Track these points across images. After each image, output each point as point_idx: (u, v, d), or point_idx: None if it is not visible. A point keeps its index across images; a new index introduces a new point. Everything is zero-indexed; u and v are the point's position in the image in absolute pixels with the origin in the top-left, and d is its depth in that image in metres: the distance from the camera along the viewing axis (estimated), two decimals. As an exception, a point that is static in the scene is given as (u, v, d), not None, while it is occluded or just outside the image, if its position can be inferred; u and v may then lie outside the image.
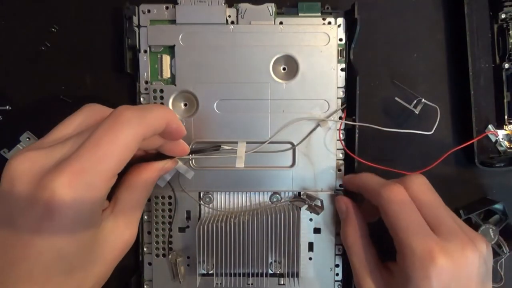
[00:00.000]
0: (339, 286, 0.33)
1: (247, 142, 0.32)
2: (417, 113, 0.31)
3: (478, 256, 0.25)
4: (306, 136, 0.32)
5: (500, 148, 0.34)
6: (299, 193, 0.33)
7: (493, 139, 0.34)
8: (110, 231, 0.25)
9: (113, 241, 0.25)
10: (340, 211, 0.31)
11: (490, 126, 0.33)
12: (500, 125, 0.34)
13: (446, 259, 0.24)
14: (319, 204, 0.31)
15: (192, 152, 0.31)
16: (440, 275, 0.24)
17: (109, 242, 0.25)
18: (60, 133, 0.24)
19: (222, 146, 0.32)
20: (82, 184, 0.21)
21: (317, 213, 0.32)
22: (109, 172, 0.22)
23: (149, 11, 0.32)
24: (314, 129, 0.32)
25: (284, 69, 0.33)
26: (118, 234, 0.26)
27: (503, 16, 0.33)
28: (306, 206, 0.32)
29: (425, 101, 0.31)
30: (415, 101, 0.32)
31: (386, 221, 0.27)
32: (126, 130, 0.22)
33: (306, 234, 0.33)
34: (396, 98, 0.32)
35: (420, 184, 0.28)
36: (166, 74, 0.33)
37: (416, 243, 0.25)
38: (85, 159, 0.21)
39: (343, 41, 0.33)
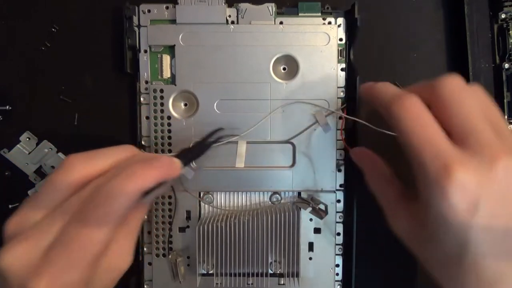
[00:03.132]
0: (339, 286, 0.33)
1: (247, 142, 0.32)
2: None
3: None
4: (303, 130, 0.32)
5: None
6: (299, 193, 0.33)
7: None
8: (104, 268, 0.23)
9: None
10: (358, 164, 0.29)
11: None
12: None
13: (466, 172, 0.20)
14: (323, 208, 0.31)
15: (189, 157, 0.28)
16: (461, 193, 0.20)
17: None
18: (53, 194, 0.22)
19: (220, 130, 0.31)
20: (61, 285, 0.20)
21: (321, 218, 0.32)
22: (85, 270, 0.21)
23: (149, 11, 0.32)
24: (310, 126, 0.32)
25: (284, 69, 0.33)
26: (112, 269, 0.24)
27: (503, 16, 0.33)
28: (310, 209, 0.32)
29: None
30: None
31: (401, 141, 0.23)
32: (98, 231, 0.21)
33: (306, 234, 0.33)
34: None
35: (453, 89, 0.22)
36: (166, 74, 0.33)
37: (430, 159, 0.21)
38: (60, 263, 0.20)
39: (343, 41, 0.33)
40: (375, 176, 0.27)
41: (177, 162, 0.25)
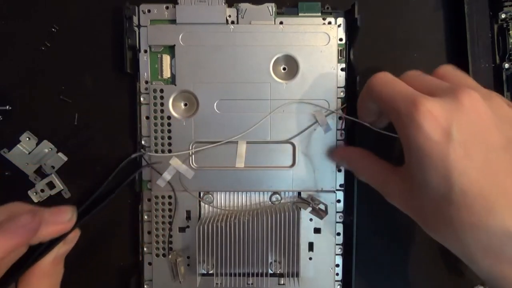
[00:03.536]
0: (339, 286, 0.33)
1: (247, 142, 0.32)
2: None
3: (484, 105, 0.21)
4: (303, 130, 0.32)
5: None
6: (299, 193, 0.33)
7: None
8: None
9: None
10: (342, 163, 0.31)
11: None
12: None
13: (433, 103, 0.21)
14: (323, 208, 0.31)
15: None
16: (431, 120, 0.21)
17: None
18: None
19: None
20: None
21: (321, 218, 0.32)
22: None
23: (149, 11, 0.32)
24: (310, 126, 0.32)
25: (284, 69, 0.33)
26: None
27: (503, 16, 0.33)
28: (310, 209, 0.32)
29: None
30: None
31: (381, 110, 0.26)
32: None
33: (306, 234, 0.33)
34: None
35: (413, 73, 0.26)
36: (166, 74, 0.33)
37: (401, 103, 0.22)
38: None
39: (343, 41, 0.33)
40: (361, 163, 0.28)
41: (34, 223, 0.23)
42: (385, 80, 0.25)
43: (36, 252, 0.24)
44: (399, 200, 0.25)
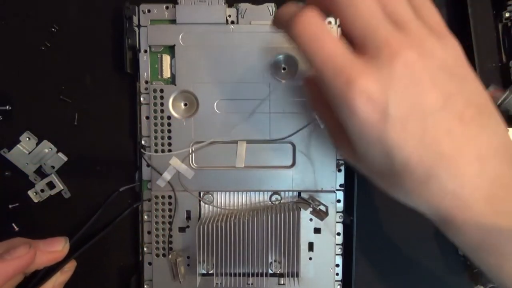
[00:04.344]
0: (339, 286, 0.33)
1: (247, 142, 0.32)
2: None
3: (420, 66, 0.19)
4: (303, 127, 0.32)
5: None
6: (299, 193, 0.33)
7: None
8: None
9: None
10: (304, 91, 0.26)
11: None
12: (510, 124, 0.33)
13: (368, 81, 0.19)
14: (324, 210, 0.31)
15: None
16: (367, 104, 0.19)
17: None
18: None
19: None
20: None
21: (321, 219, 0.32)
22: None
23: (149, 11, 0.32)
24: (310, 123, 0.32)
25: (284, 69, 0.33)
26: None
27: (507, 15, 0.33)
28: (310, 209, 0.32)
29: None
30: None
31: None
32: None
33: (306, 234, 0.33)
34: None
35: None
36: (166, 74, 0.33)
37: (332, 78, 0.20)
38: None
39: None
40: (319, 102, 0.26)
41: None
42: (312, 31, 0.20)
43: (33, 280, 0.25)
44: (348, 158, 0.24)
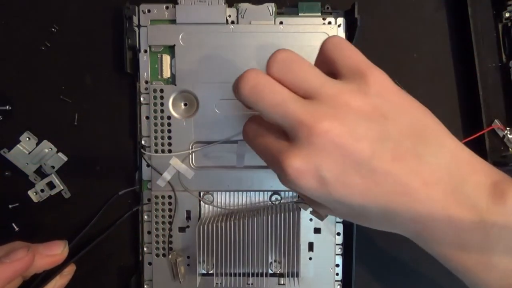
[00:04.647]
0: (339, 286, 0.33)
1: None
2: None
3: (338, 132, 0.20)
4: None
5: (509, 145, 0.34)
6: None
7: (500, 134, 0.33)
8: None
9: None
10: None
11: (496, 121, 0.33)
12: (510, 123, 0.34)
13: (296, 158, 0.20)
14: None
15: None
16: (301, 177, 0.21)
17: None
18: None
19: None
20: None
21: (321, 219, 0.31)
22: None
23: (149, 11, 0.32)
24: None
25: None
26: None
27: (507, 15, 0.33)
28: (310, 209, 0.32)
29: None
30: None
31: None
32: None
33: (306, 234, 0.33)
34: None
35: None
36: (166, 74, 0.33)
37: (267, 160, 0.23)
38: None
39: (343, 41, 0.32)
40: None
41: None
42: (253, 132, 0.24)
43: (33, 283, 0.25)
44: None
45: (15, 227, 0.34)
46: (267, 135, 0.23)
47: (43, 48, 0.34)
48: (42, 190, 0.34)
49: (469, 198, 0.20)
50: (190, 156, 0.33)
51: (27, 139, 0.34)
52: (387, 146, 0.20)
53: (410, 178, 0.20)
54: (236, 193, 0.34)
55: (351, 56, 0.22)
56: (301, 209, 0.32)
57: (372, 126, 0.20)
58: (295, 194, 0.33)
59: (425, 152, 0.20)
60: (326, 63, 0.23)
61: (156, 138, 0.32)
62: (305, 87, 0.21)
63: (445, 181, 0.20)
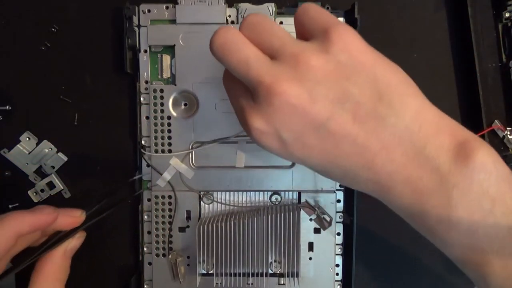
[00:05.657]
0: (339, 286, 0.33)
1: (247, 142, 0.32)
2: None
3: (293, 92, 0.20)
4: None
5: (509, 146, 0.34)
6: (299, 193, 0.33)
7: (500, 134, 0.33)
8: None
9: None
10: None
11: (496, 121, 0.33)
12: (510, 124, 0.34)
13: (256, 118, 0.21)
14: (328, 220, 0.31)
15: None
16: (262, 136, 0.22)
17: None
18: None
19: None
20: None
21: (324, 228, 0.31)
22: None
23: (149, 11, 0.32)
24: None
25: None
26: None
27: (507, 15, 0.33)
28: (315, 216, 0.32)
29: None
30: None
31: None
32: None
33: (306, 234, 0.33)
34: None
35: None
36: (166, 74, 0.33)
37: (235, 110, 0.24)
38: None
39: (343, 41, 0.32)
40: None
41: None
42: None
43: (49, 241, 0.28)
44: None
45: (15, 227, 0.34)
46: (236, 88, 0.23)
47: (43, 48, 0.34)
48: (42, 190, 0.34)
49: (431, 160, 0.20)
50: (190, 156, 0.33)
51: (27, 139, 0.34)
52: (347, 107, 0.20)
53: (370, 141, 0.20)
54: (236, 193, 0.34)
55: (317, 16, 0.22)
56: (301, 209, 0.32)
57: (332, 87, 0.20)
58: (295, 194, 0.33)
59: (387, 113, 0.20)
60: (299, 31, 0.23)
61: (156, 138, 0.32)
62: (269, 46, 0.21)
63: (405, 143, 0.20)
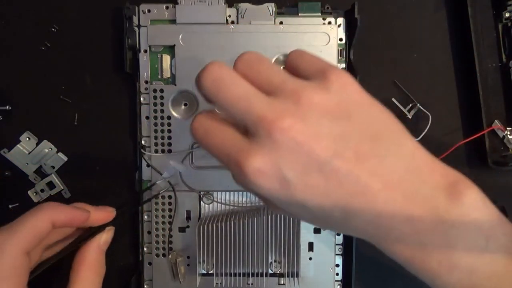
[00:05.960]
0: (339, 286, 0.33)
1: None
2: (410, 117, 0.32)
3: (297, 129, 0.19)
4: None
5: (509, 146, 0.34)
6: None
7: (500, 134, 0.33)
8: None
9: None
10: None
11: (496, 121, 0.33)
12: (510, 124, 0.34)
13: (256, 157, 0.20)
14: None
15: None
16: (262, 178, 0.20)
17: None
18: None
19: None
20: None
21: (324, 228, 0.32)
22: None
23: (149, 11, 0.32)
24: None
25: (284, 69, 0.33)
26: None
27: (507, 15, 0.33)
28: None
29: (420, 106, 0.32)
30: (410, 105, 0.32)
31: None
32: None
33: (306, 234, 0.33)
34: (393, 99, 0.32)
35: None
36: (166, 74, 0.33)
37: (226, 162, 0.22)
38: None
39: (343, 41, 0.32)
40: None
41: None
42: (201, 130, 0.23)
43: (82, 236, 0.28)
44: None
45: (15, 227, 0.34)
46: (222, 132, 0.22)
47: (43, 48, 0.34)
48: (42, 190, 0.34)
49: (428, 199, 0.20)
50: (190, 156, 0.33)
51: (27, 139, 0.34)
52: (349, 145, 0.20)
53: (371, 179, 0.20)
54: (236, 193, 0.34)
55: (312, 60, 0.22)
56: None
57: (334, 124, 0.20)
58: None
59: (386, 152, 0.20)
60: (292, 74, 0.22)
61: (156, 138, 0.32)
62: (268, 83, 0.21)
63: (405, 183, 0.20)
